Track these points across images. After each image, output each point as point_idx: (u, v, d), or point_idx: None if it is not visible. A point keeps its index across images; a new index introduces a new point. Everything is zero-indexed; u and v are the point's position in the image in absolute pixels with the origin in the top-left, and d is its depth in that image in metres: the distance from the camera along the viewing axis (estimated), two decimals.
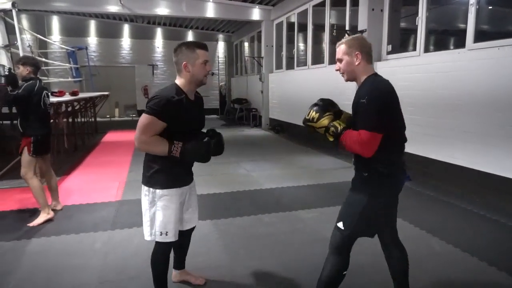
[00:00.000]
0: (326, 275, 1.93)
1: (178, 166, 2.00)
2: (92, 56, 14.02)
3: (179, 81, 1.98)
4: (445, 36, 6.61)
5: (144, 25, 14.74)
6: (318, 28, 8.52)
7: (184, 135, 1.93)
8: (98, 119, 11.30)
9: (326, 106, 1.94)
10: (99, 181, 5.13)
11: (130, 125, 12.10)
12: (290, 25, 9.89)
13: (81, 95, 8.18)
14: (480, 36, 4.34)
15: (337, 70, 1.98)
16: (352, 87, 7.37)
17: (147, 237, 2.04)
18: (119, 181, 5.09)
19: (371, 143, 1.73)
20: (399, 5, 6.07)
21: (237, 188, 4.69)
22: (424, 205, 4.09)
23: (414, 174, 5.01)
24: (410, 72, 5.15)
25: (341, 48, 1.93)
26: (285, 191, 4.60)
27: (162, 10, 9.94)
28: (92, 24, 14.33)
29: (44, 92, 3.59)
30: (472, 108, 4.21)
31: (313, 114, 1.90)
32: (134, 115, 15.01)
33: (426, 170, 4.92)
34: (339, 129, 1.82)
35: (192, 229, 2.29)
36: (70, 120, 7.57)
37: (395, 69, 5.55)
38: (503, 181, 3.89)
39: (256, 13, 10.67)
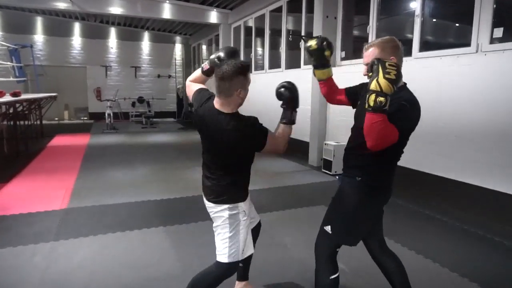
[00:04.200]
0: (317, 283, 1.89)
1: (248, 181, 2.03)
2: (39, 55, 13.16)
3: (229, 108, 1.83)
4: None
5: (96, 24, 14.09)
6: (275, 33, 8.62)
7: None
8: (44, 122, 10.59)
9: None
10: (42, 189, 4.78)
11: (80, 129, 11.52)
12: (248, 29, 9.93)
13: (25, 96, 7.62)
14: (425, 46, 4.60)
15: (365, 75, 1.75)
16: (308, 91, 7.42)
17: (225, 258, 1.91)
18: (65, 188, 4.77)
19: (389, 143, 1.62)
20: (351, 13, 6.30)
21: (192, 193, 4.57)
22: None
23: None
24: (362, 79, 5.33)
25: (371, 51, 1.75)
26: None
27: (116, 9, 9.56)
28: (39, 21, 13.44)
29: None
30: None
31: (393, 69, 1.51)
32: (85, 118, 14.28)
33: None
34: (387, 105, 1.51)
35: (260, 225, 2.30)
36: (11, 123, 7.02)
37: (348, 74, 5.72)
38: (445, 182, 4.13)
39: (213, 16, 10.59)
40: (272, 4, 8.31)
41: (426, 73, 4.37)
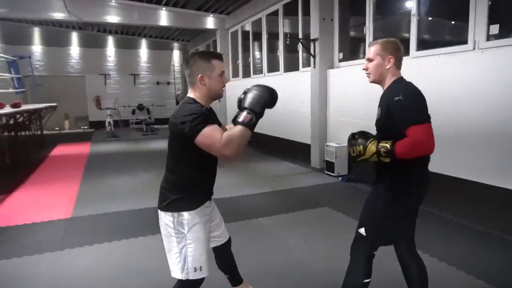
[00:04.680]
0: (346, 284, 1.88)
1: (207, 184, 1.86)
2: (37, 66, 13.22)
3: (193, 94, 1.77)
4: None
5: (94, 33, 14.17)
6: (273, 37, 8.66)
7: (210, 155, 1.73)
8: (45, 132, 10.63)
9: (364, 134, 1.83)
10: (46, 198, 4.79)
11: (81, 138, 11.55)
12: (245, 34, 9.98)
13: (25, 107, 7.65)
14: (422, 44, 4.63)
15: (364, 69, 1.94)
16: (307, 93, 7.42)
17: (178, 274, 1.75)
18: (68, 197, 4.78)
19: (430, 135, 1.64)
20: (348, 15, 6.33)
21: None
22: None
23: (370, 176, 5.19)
24: (360, 79, 5.36)
25: (374, 49, 1.88)
26: (243, 199, 4.57)
27: (113, 18, 9.61)
28: (36, 32, 13.52)
29: None
30: None
31: (359, 148, 1.79)
32: (86, 127, 14.31)
33: None
34: (389, 146, 1.69)
35: (229, 242, 2.11)
36: (12, 134, 7.05)
37: (347, 76, 5.76)
38: (446, 180, 4.14)
39: (210, 22, 10.65)
40: (268, 8, 8.35)
41: (424, 72, 4.39)
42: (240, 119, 1.60)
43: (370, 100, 5.13)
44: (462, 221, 3.66)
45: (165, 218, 1.77)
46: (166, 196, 1.76)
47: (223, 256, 2.13)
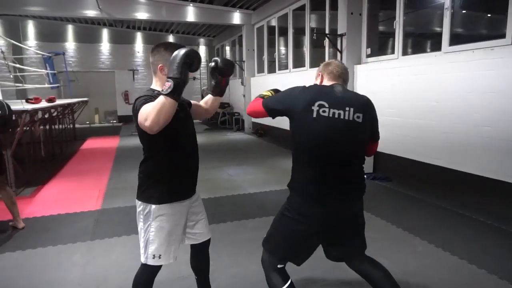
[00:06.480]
0: None
1: (179, 176, 1.86)
2: (70, 62, 13.72)
3: (155, 84, 1.83)
4: (422, 39, 6.76)
5: (123, 30, 14.53)
6: (299, 32, 8.58)
7: (176, 140, 1.80)
8: (77, 125, 11.05)
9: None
10: (78, 190, 4.99)
11: (110, 132, 11.91)
12: (271, 29, 9.94)
13: (59, 101, 7.97)
14: (456, 39, 4.45)
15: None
16: None
17: (141, 258, 1.85)
18: (99, 189, 4.96)
19: (254, 107, 1.96)
20: (377, 9, 6.17)
21: (220, 193, 4.64)
22: (405, 205, 4.15)
23: (396, 174, 5.08)
24: (389, 75, 5.23)
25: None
26: (269, 195, 4.59)
27: (142, 15, 9.82)
28: (70, 29, 14.03)
29: None
30: (449, 109, 4.32)
31: (268, 93, 2.12)
32: (114, 121, 14.75)
33: (407, 171, 5.00)
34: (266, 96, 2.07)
35: (206, 243, 2.06)
36: (47, 127, 7.36)
37: (375, 72, 5.63)
38: (482, 181, 3.98)
39: (236, 17, 10.68)
40: (295, 3, 8.28)
41: (457, 68, 4.23)
42: (164, 89, 1.52)
43: (400, 97, 5.00)
44: (485, 221, 3.52)
45: (137, 205, 1.85)
46: (140, 185, 1.84)
47: (197, 256, 2.08)
